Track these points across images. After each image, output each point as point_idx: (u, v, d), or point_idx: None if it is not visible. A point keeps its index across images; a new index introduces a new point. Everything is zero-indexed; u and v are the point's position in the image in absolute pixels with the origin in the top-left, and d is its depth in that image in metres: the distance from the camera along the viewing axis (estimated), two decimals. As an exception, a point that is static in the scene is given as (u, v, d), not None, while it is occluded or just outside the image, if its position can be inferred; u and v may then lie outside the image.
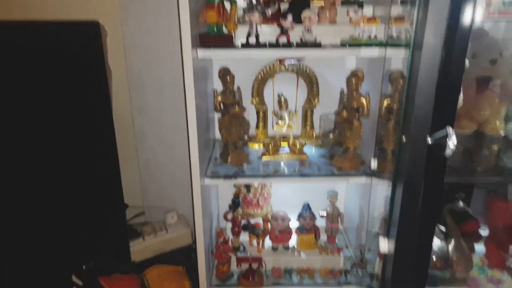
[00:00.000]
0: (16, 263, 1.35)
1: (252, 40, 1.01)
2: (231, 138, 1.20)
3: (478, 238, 1.28)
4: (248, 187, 1.42)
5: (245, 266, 1.26)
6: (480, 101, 1.24)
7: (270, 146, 1.25)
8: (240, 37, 1.05)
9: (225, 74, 1.16)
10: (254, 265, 1.25)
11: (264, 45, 1.02)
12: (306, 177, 1.13)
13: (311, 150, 1.30)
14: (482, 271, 1.21)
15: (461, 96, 0.80)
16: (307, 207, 1.33)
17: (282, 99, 1.29)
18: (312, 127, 1.35)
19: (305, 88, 1.31)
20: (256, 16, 0.98)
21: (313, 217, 1.33)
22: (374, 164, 1.07)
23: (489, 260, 1.24)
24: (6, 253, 1.36)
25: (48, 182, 1.32)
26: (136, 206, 1.56)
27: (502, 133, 1.23)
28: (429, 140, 0.69)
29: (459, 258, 1.14)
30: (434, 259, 1.14)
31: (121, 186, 1.34)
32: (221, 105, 1.18)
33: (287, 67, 1.27)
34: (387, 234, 0.92)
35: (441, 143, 0.65)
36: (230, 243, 1.28)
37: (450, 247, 1.15)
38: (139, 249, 1.37)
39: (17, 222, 1.28)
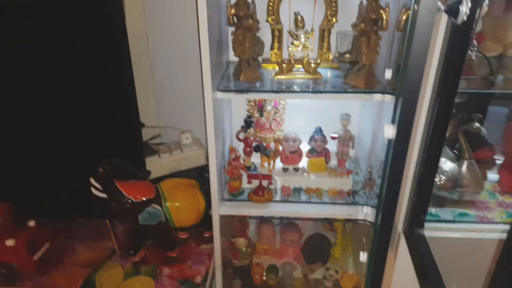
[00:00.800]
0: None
1: None
2: (244, 54, 1.18)
3: (492, 164, 1.27)
4: (261, 111, 1.43)
5: (255, 184, 1.30)
6: (508, 20, 1.17)
7: (284, 66, 1.23)
8: None
9: (238, -16, 1.12)
10: (264, 182, 1.28)
11: None
12: (319, 93, 1.12)
13: (326, 72, 1.28)
14: (492, 196, 1.21)
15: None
16: (319, 130, 1.33)
17: (299, 18, 1.25)
18: (329, 48, 1.32)
19: (323, 5, 1.26)
20: None
21: (324, 139, 1.33)
22: (388, 74, 1.04)
23: (502, 186, 1.23)
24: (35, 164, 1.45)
25: (69, 100, 1.37)
26: (153, 127, 1.60)
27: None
28: (441, 6, 0.66)
29: (469, 180, 1.14)
30: (443, 180, 1.14)
31: (136, 104, 1.37)
32: (234, 18, 1.16)
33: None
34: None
35: (455, 8, 0.62)
36: (242, 161, 1.31)
37: (461, 168, 1.14)
38: (154, 165, 1.43)
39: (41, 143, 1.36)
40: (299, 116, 1.47)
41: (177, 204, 1.26)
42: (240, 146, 1.38)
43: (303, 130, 1.38)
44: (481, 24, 1.20)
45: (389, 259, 1.14)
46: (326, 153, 1.35)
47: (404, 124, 0.93)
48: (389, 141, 0.97)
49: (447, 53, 0.83)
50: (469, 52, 1.05)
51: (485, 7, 1.01)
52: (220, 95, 1.14)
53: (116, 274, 1.31)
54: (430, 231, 1.07)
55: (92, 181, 1.16)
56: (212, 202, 1.23)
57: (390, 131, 0.93)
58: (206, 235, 1.44)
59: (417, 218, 1.00)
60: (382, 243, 1.11)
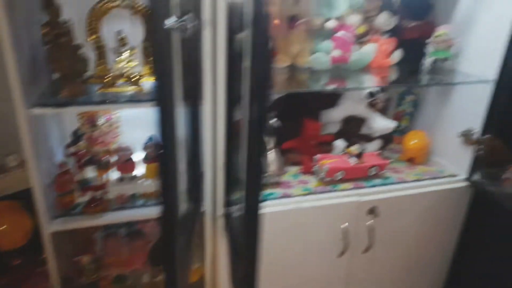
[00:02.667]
0: None
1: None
2: (63, 70, 1.22)
3: (296, 152, 1.57)
4: (93, 125, 1.47)
5: (89, 195, 1.33)
6: (291, 37, 1.48)
7: (109, 80, 1.31)
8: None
9: (48, 4, 1.17)
10: (98, 193, 1.32)
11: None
12: (138, 103, 1.23)
13: (149, 84, 1.40)
14: (295, 177, 1.49)
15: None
16: (150, 138, 1.44)
17: (120, 36, 1.35)
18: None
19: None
20: None
21: (156, 147, 1.45)
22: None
23: (303, 168, 1.53)
24: None
25: None
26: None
27: (308, 64, 1.50)
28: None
29: (274, 166, 1.39)
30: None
31: None
32: (49, 37, 1.19)
33: (121, 2, 1.33)
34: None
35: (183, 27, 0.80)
36: (75, 176, 1.33)
37: (267, 157, 1.39)
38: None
39: None
40: (137, 127, 1.54)
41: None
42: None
43: (138, 142, 1.47)
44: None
45: (219, 243, 1.31)
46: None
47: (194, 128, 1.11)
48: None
49: (252, 66, 1.00)
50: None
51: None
52: (37, 111, 1.15)
53: None
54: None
55: None
56: (40, 220, 1.22)
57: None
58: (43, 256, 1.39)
59: (227, 201, 1.19)
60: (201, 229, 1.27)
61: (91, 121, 1.46)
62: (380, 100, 1.69)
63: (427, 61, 1.51)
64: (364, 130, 1.65)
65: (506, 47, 1.29)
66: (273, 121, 1.42)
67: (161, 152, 0.89)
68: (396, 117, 1.79)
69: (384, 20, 1.50)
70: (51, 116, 1.36)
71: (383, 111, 1.76)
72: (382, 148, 1.71)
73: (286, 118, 1.60)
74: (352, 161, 1.47)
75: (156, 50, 0.84)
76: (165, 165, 0.91)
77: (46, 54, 1.21)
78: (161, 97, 0.89)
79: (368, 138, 1.66)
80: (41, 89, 1.26)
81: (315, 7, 1.47)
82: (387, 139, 1.71)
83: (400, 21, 1.59)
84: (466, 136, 1.50)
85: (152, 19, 0.87)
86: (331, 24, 1.44)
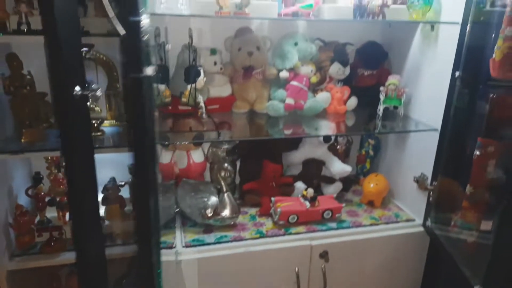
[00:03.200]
0: None
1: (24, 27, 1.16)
2: (25, 118, 1.31)
3: (257, 195, 1.61)
4: (58, 167, 1.54)
5: (47, 236, 1.38)
6: (247, 86, 1.57)
7: (70, 126, 1.39)
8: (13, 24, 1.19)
9: (11, 59, 1.28)
10: (55, 233, 1.37)
11: (35, 32, 1.17)
12: (98, 148, 1.31)
13: (112, 129, 1.48)
14: (252, 219, 1.52)
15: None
16: (110, 180, 1.51)
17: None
18: (117, 109, 1.54)
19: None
20: (23, 7, 1.13)
21: (117, 188, 1.51)
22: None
23: (261, 210, 1.56)
24: None
25: None
26: None
27: (265, 110, 1.57)
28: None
29: (227, 209, 1.43)
30: (208, 212, 1.41)
31: None
32: (11, 88, 1.29)
33: (85, 54, 1.43)
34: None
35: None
36: (35, 217, 1.39)
37: (222, 200, 1.43)
38: None
39: None
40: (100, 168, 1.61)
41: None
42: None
43: (100, 182, 1.53)
44: (231, 89, 1.59)
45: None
46: (120, 200, 1.52)
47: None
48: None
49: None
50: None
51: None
52: (-3, 156, 1.23)
53: None
54: (198, 253, 1.32)
55: None
56: (-3, 259, 1.27)
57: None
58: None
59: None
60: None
61: (56, 162, 1.53)
62: (340, 144, 1.74)
63: (380, 108, 1.57)
64: (325, 172, 1.70)
65: (446, 99, 1.35)
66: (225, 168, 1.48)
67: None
68: (359, 160, 1.84)
69: (337, 69, 1.57)
70: (13, 159, 1.44)
71: (346, 154, 1.81)
72: (345, 190, 1.74)
73: (248, 160, 1.66)
74: (307, 204, 1.50)
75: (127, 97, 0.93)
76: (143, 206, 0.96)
77: (9, 103, 1.31)
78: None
79: (329, 180, 1.69)
80: (5, 135, 1.35)
81: (269, 59, 1.56)
82: (348, 181, 1.75)
83: (356, 69, 1.67)
84: (420, 182, 1.53)
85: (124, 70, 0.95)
86: (284, 74, 1.52)
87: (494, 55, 1.08)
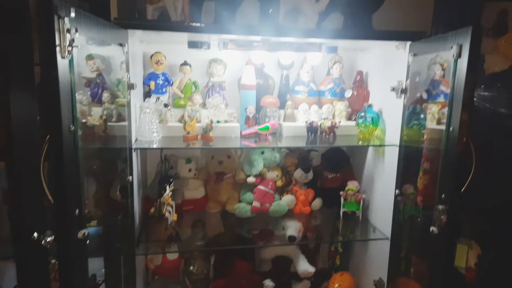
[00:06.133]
0: None
1: None
2: None
3: None
4: None
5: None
6: (220, 189, 1.74)
7: None
8: None
9: None
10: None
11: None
12: None
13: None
14: None
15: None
16: None
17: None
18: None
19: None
20: None
21: None
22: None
23: None
24: None
25: None
26: None
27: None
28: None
29: None
30: None
31: None
32: None
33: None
34: None
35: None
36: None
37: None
38: None
39: None
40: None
41: None
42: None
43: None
44: (205, 191, 1.76)
45: None
46: None
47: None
48: None
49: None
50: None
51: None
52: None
53: None
54: None
55: None
56: None
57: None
58: None
59: None
60: None
61: None
62: (309, 239, 1.84)
63: (341, 212, 1.69)
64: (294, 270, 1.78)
65: (392, 212, 1.47)
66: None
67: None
68: (329, 256, 1.92)
69: (300, 175, 1.73)
70: None
71: (316, 249, 1.90)
72: (317, 286, 1.81)
73: (222, 256, 1.77)
74: (271, 304, 1.58)
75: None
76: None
77: None
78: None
79: (298, 278, 1.77)
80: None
81: (238, 166, 1.75)
82: (320, 277, 1.82)
83: (322, 171, 1.83)
84: (378, 286, 1.59)
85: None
86: (250, 179, 1.69)
87: (417, 183, 1.22)
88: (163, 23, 1.31)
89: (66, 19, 0.74)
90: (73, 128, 0.79)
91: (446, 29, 1.06)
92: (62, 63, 0.74)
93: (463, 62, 0.97)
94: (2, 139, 1.02)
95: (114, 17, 1.31)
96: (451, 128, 1.01)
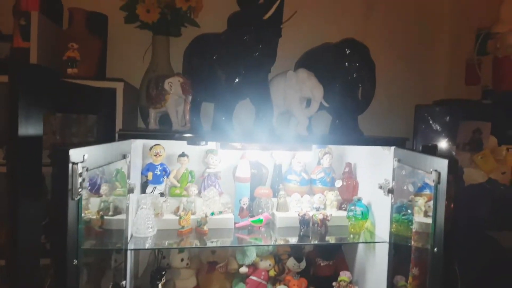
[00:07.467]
0: None
1: None
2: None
3: None
4: None
5: None
6: (211, 279, 1.72)
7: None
8: None
9: None
10: None
11: None
12: None
13: None
14: None
15: None
16: None
17: None
18: None
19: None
20: None
21: None
22: None
23: None
24: None
25: None
26: None
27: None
28: None
29: None
30: None
31: None
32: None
33: None
34: None
35: None
36: None
37: None
38: None
39: None
40: None
41: None
42: None
43: None
44: (196, 281, 1.74)
45: None
46: None
47: None
48: None
49: None
50: None
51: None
52: None
53: None
54: None
55: None
56: None
57: None
58: None
59: None
60: None
61: None
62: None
63: (336, 304, 1.68)
64: None
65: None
66: None
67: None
68: None
69: (293, 264, 1.74)
70: None
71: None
72: None
73: None
74: None
75: None
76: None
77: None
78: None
79: None
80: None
81: (232, 254, 1.75)
82: None
83: (315, 258, 1.83)
84: None
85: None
86: (243, 270, 1.68)
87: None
88: (165, 134, 1.39)
89: (80, 164, 0.80)
90: (75, 262, 0.81)
91: (427, 141, 1.15)
92: (71, 205, 0.78)
93: (442, 188, 1.03)
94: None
95: (119, 128, 1.39)
96: (435, 249, 1.05)
